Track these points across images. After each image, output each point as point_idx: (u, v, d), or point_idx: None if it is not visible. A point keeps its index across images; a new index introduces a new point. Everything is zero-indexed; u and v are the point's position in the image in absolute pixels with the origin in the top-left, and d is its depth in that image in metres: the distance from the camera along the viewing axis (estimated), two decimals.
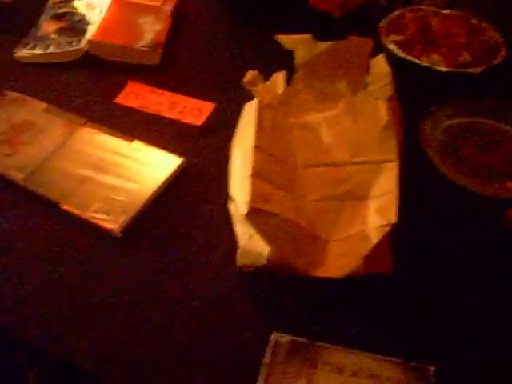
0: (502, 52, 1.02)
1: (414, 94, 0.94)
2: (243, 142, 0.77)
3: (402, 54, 1.00)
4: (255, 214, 0.66)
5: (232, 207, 0.73)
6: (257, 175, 0.69)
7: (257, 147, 0.72)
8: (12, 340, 0.68)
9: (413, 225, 0.72)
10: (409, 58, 0.99)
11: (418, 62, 0.99)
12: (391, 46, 1.01)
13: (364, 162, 0.74)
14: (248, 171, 0.70)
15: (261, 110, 0.78)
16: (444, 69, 0.98)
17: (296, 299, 0.69)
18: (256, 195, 0.67)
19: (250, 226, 0.67)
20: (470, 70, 0.97)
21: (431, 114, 0.91)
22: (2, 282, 0.71)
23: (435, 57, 1.00)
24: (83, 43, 1.02)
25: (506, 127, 0.92)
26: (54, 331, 0.66)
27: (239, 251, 0.69)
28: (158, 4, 1.09)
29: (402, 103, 0.84)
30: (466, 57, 1.00)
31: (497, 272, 0.73)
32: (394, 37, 1.04)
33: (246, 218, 0.66)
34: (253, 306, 0.69)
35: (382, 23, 1.07)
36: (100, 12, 1.09)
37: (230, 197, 0.73)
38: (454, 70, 0.98)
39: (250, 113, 0.80)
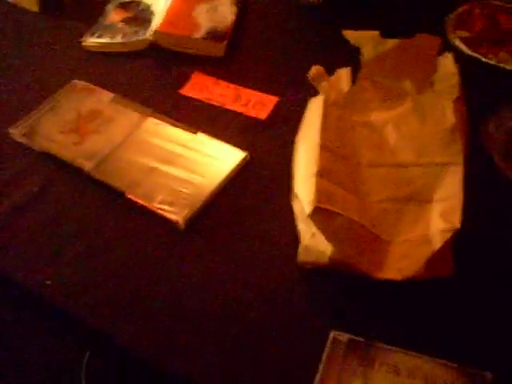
0: None
1: (479, 92, 0.92)
2: (308, 139, 0.77)
3: (468, 52, 0.98)
4: (319, 214, 0.66)
5: (295, 204, 0.74)
6: (321, 174, 0.70)
7: (322, 145, 0.73)
8: (71, 325, 0.71)
9: (474, 229, 0.72)
10: (475, 55, 0.98)
11: (484, 59, 0.97)
12: (457, 43, 1.00)
13: (429, 164, 0.74)
14: (313, 169, 0.70)
15: (326, 107, 0.79)
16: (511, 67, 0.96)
17: (355, 298, 0.69)
18: (320, 194, 0.67)
19: (313, 225, 0.67)
20: None
21: (495, 114, 0.90)
22: (71, 269, 0.73)
23: (503, 55, 0.98)
24: (149, 33, 1.04)
25: None
26: (115, 318, 0.68)
27: (301, 248, 0.70)
28: None
29: (466, 103, 0.83)
30: None
31: None
32: (460, 33, 1.03)
33: (309, 217, 0.67)
34: (312, 303, 0.70)
35: (449, 18, 1.06)
36: (165, 2, 1.11)
37: (294, 193, 0.74)
38: None
39: (315, 109, 0.80)
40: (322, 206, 0.66)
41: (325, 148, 0.73)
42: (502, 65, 0.96)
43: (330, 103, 0.80)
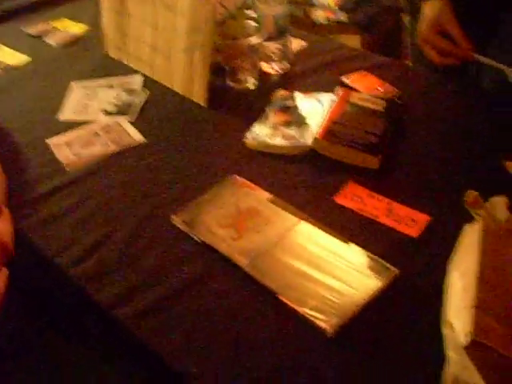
0: None
1: None
2: (463, 267, 0.78)
3: None
4: (475, 347, 0.67)
5: (448, 332, 0.74)
6: (480, 307, 0.70)
7: (481, 276, 0.74)
8: None
9: None
10: None
11: None
12: None
13: None
14: (470, 301, 0.71)
15: (485, 236, 0.80)
16: None
17: None
18: (478, 328, 0.68)
19: (467, 357, 0.68)
20: None
21: None
22: (218, 360, 0.77)
23: None
24: (309, 139, 1.10)
25: None
26: None
27: (449, 377, 0.70)
28: (381, 109, 1.15)
29: None
30: None
31: None
32: None
33: (465, 349, 0.67)
34: None
35: None
36: (322, 110, 1.17)
37: (447, 321, 0.75)
38: None
39: (472, 236, 0.81)
40: (479, 339, 0.67)
41: (483, 279, 0.74)
42: None
43: (489, 233, 0.80)
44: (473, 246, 0.79)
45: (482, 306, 0.71)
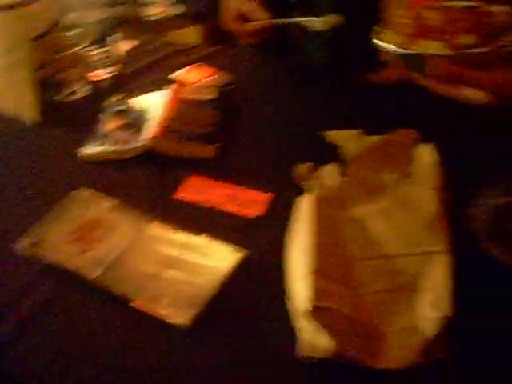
0: None
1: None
2: (299, 238, 0.82)
3: None
4: (318, 311, 0.70)
5: (291, 302, 0.77)
6: (317, 272, 0.74)
7: (315, 243, 0.77)
8: None
9: (467, 310, 0.75)
10: None
11: None
12: None
13: (415, 254, 0.78)
14: (307, 268, 0.74)
15: (316, 205, 0.83)
16: None
17: None
18: (317, 292, 0.71)
19: (312, 321, 0.71)
20: None
21: (478, 196, 0.94)
22: (78, 374, 0.76)
23: None
24: (144, 140, 1.10)
25: None
26: None
27: (302, 344, 0.73)
28: (214, 97, 1.17)
29: (448, 188, 0.88)
30: None
31: None
32: None
33: (308, 315, 0.70)
34: None
35: None
36: (158, 108, 1.17)
37: (289, 292, 0.78)
38: None
39: (304, 207, 0.85)
40: (320, 302, 0.70)
41: (318, 245, 0.77)
42: None
43: (320, 201, 0.84)
44: (306, 216, 0.83)
45: (321, 272, 0.74)
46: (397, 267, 0.78)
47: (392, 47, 0.92)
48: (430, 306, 0.72)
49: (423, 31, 0.90)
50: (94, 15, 1.36)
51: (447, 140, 0.97)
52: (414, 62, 0.92)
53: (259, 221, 0.94)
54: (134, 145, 1.10)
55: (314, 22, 1.17)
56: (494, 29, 0.89)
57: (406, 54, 0.91)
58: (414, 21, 0.91)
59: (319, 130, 1.08)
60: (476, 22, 0.88)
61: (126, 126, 1.16)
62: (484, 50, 0.87)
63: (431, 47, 0.88)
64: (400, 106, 1.13)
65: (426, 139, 0.95)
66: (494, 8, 0.92)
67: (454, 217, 0.86)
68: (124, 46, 1.48)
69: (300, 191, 0.91)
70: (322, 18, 1.17)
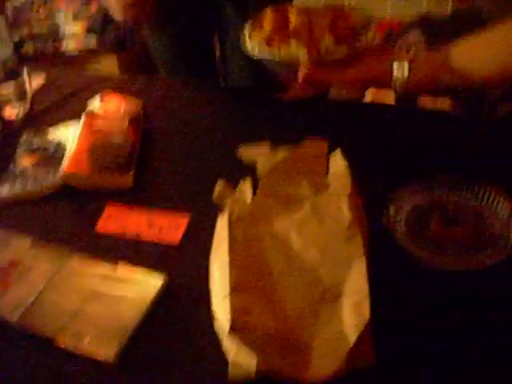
0: None
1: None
2: (219, 258, 0.82)
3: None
4: (238, 329, 0.70)
5: (216, 323, 0.77)
6: (235, 290, 0.74)
7: (232, 263, 0.77)
8: None
9: (390, 314, 0.77)
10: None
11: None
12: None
13: (333, 262, 0.79)
14: (226, 287, 0.75)
15: (231, 223, 0.84)
16: None
17: None
18: (237, 310, 0.71)
19: (235, 340, 0.71)
20: None
21: (393, 198, 0.96)
22: None
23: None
24: (60, 176, 1.08)
25: (463, 200, 0.97)
26: None
27: (229, 365, 0.73)
28: (125, 126, 1.16)
29: (360, 194, 0.90)
30: None
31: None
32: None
33: (230, 334, 0.70)
34: None
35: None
36: (72, 142, 1.15)
37: (213, 313, 0.78)
38: None
39: (222, 227, 0.85)
40: (240, 321, 0.71)
41: (235, 265, 0.77)
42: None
43: (235, 219, 0.85)
44: (223, 235, 0.83)
45: (238, 290, 0.74)
46: (317, 277, 0.79)
47: (257, 53, 0.95)
48: (351, 312, 0.73)
49: (284, 36, 0.93)
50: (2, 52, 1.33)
51: (356, 145, 1.00)
52: (283, 66, 0.96)
53: (180, 246, 0.94)
54: (50, 182, 1.08)
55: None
56: (351, 29, 0.93)
57: (272, 60, 0.94)
58: (277, 26, 0.95)
59: (236, 148, 1.09)
60: (333, 23, 0.92)
61: (42, 163, 1.14)
62: (343, 50, 0.91)
63: (293, 52, 0.92)
64: (312, 117, 1.16)
65: (335, 147, 0.98)
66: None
67: (371, 220, 0.88)
68: (36, 81, 1.45)
69: (220, 211, 0.92)
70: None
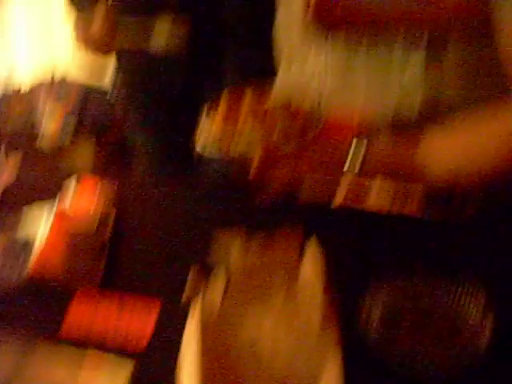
0: None
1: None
2: (187, 361, 0.79)
3: None
4: None
5: None
6: None
7: (200, 368, 0.75)
8: None
9: None
10: None
11: None
12: None
13: (306, 364, 0.77)
14: None
15: (201, 325, 0.81)
16: None
17: None
18: None
19: None
20: None
21: (367, 295, 0.92)
22: None
23: None
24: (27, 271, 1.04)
25: (437, 297, 0.93)
26: None
27: None
28: (94, 226, 1.14)
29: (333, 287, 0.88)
30: None
31: None
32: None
33: None
34: None
35: None
36: (40, 239, 1.12)
37: None
38: None
39: (191, 332, 0.82)
40: None
41: (204, 368, 0.75)
42: None
43: (204, 325, 0.82)
44: (192, 337, 0.80)
45: None
46: (289, 380, 0.76)
47: (211, 151, 0.95)
48: None
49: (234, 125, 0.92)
50: None
51: (330, 235, 0.99)
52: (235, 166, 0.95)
53: (148, 352, 0.89)
54: (15, 278, 1.04)
55: None
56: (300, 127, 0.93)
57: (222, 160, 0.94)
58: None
59: (211, 235, 1.07)
60: (286, 122, 0.92)
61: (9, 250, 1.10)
62: (293, 146, 0.91)
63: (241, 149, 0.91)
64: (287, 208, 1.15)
65: (309, 236, 0.97)
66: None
67: (344, 317, 0.85)
68: (8, 174, 1.43)
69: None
70: None
